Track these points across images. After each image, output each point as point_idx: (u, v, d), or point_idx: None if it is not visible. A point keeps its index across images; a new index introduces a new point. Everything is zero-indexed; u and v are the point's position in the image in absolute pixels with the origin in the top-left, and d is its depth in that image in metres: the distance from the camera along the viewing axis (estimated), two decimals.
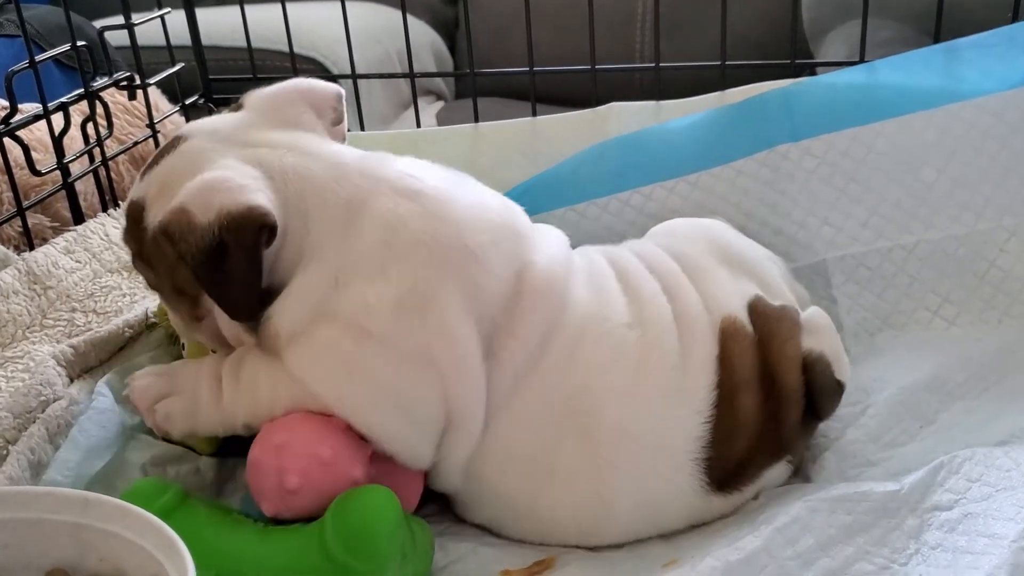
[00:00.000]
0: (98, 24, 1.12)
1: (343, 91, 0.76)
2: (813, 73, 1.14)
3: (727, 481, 0.69)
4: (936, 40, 1.01)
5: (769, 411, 0.70)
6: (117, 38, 1.11)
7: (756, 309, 0.73)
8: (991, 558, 0.58)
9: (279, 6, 1.16)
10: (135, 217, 0.69)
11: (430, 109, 1.99)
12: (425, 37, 2.18)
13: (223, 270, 0.63)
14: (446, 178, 0.71)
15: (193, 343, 0.77)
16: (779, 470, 0.72)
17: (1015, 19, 0.99)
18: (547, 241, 0.73)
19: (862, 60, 1.03)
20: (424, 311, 0.64)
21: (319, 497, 0.61)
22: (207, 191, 0.64)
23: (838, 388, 0.73)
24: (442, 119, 1.90)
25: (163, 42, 1.05)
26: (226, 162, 0.67)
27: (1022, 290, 0.89)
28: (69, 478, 0.69)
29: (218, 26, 1.31)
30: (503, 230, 0.70)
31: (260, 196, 0.64)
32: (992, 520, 0.62)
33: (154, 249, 0.67)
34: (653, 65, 1.06)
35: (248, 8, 1.20)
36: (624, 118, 1.04)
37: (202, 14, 1.24)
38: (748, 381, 0.69)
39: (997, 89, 0.92)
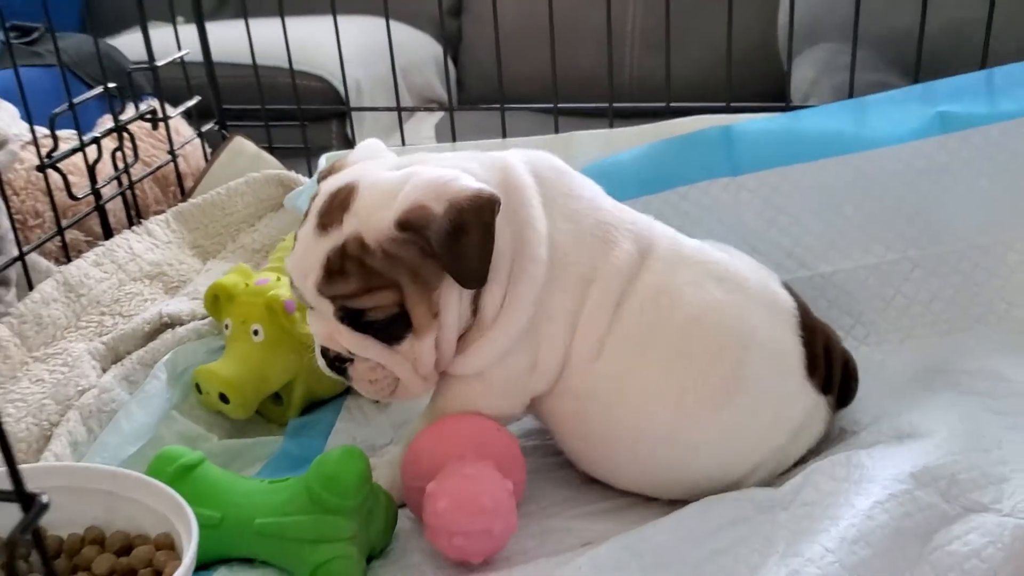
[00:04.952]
0: (117, 41, 1.24)
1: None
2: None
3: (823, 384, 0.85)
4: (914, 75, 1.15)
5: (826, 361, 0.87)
6: (137, 47, 1.23)
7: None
8: (842, 523, 0.72)
9: (288, 23, 1.29)
10: (358, 249, 0.74)
11: (429, 120, 2.12)
12: (428, 50, 2.30)
13: (462, 245, 0.72)
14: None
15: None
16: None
17: (986, 42, 1.12)
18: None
19: (788, 105, 1.16)
20: None
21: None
22: (432, 186, 0.74)
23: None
24: (440, 130, 2.04)
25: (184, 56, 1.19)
26: (422, 168, 0.77)
27: (922, 314, 1.03)
28: (106, 461, 0.83)
29: (230, 43, 1.42)
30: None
31: (473, 180, 0.75)
32: (844, 508, 0.74)
33: (389, 262, 0.74)
34: (607, 105, 1.20)
35: (259, 23, 1.34)
36: (583, 142, 1.19)
37: (215, 29, 1.38)
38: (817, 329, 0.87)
39: (903, 138, 1.05)
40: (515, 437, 0.84)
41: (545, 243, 0.79)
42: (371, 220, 0.74)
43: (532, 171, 0.82)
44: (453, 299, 0.76)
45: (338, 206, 0.76)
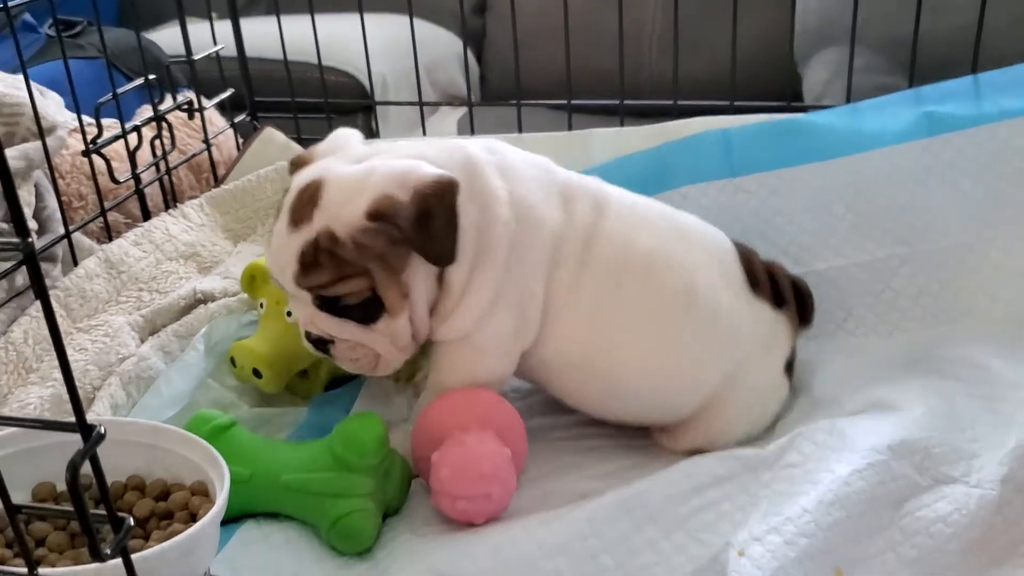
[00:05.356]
0: (155, 35, 1.30)
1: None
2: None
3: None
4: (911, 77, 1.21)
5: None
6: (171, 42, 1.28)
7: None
8: (820, 487, 0.78)
9: (319, 21, 1.35)
10: (329, 241, 0.79)
11: (453, 115, 2.18)
12: (452, 47, 2.35)
13: (430, 228, 0.78)
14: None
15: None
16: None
17: (976, 47, 1.17)
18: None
19: (791, 103, 1.21)
20: None
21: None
22: (396, 176, 0.79)
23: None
24: (462, 125, 2.10)
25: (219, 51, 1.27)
26: (382, 160, 0.81)
27: (910, 308, 1.08)
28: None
29: (262, 39, 1.49)
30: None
31: (432, 167, 0.80)
32: (824, 473, 0.80)
33: (359, 252, 0.79)
34: (617, 102, 1.26)
35: (289, 20, 1.39)
36: (596, 138, 1.26)
37: (248, 26, 1.44)
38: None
39: (892, 141, 1.11)
40: (516, 409, 0.90)
41: (508, 207, 0.85)
42: (340, 214, 0.79)
43: (486, 147, 0.88)
44: (420, 278, 0.83)
45: (307, 202, 0.81)
